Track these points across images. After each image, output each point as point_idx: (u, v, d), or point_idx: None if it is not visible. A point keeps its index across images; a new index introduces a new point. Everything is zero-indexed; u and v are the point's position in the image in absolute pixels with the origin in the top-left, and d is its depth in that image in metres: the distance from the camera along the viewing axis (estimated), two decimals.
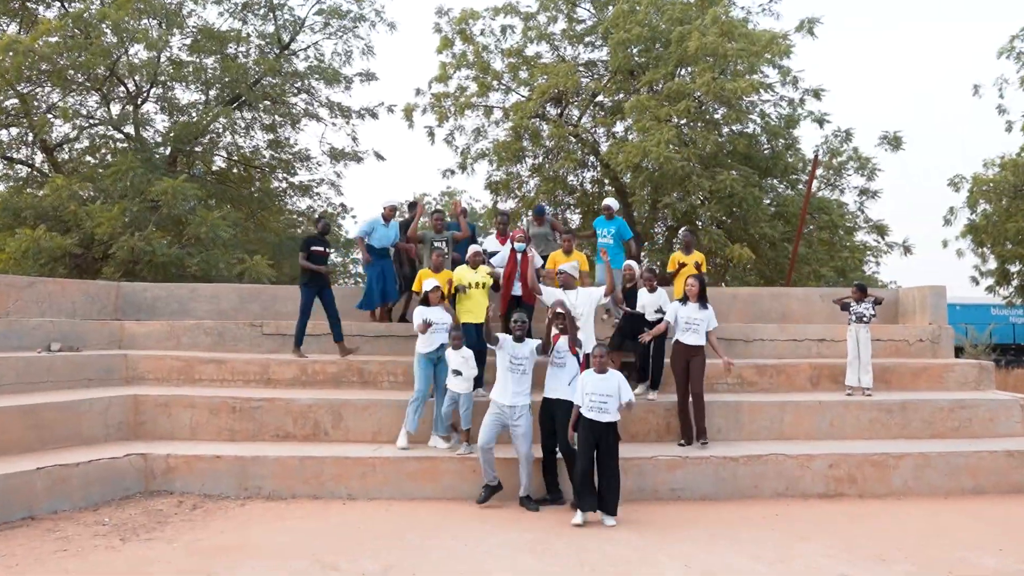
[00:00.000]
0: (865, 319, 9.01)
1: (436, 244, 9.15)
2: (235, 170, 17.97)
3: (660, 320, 7.98)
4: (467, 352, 7.29)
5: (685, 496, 7.18)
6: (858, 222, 17.24)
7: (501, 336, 6.88)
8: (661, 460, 7.24)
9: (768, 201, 15.71)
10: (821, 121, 15.79)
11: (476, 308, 7.99)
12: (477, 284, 8.11)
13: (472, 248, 8.48)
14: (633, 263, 8.40)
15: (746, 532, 6.18)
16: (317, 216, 9.61)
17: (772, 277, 16.57)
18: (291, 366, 8.77)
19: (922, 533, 6.19)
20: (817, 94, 15.81)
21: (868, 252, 16.95)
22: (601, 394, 6.38)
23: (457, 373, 7.23)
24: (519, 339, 6.81)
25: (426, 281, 7.78)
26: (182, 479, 7.06)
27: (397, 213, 9.93)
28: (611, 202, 9.63)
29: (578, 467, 6.39)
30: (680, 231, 9.81)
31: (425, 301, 7.66)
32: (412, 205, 10.53)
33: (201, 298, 10.63)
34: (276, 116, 17.30)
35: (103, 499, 6.73)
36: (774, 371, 9.16)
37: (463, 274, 8.16)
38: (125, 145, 15.60)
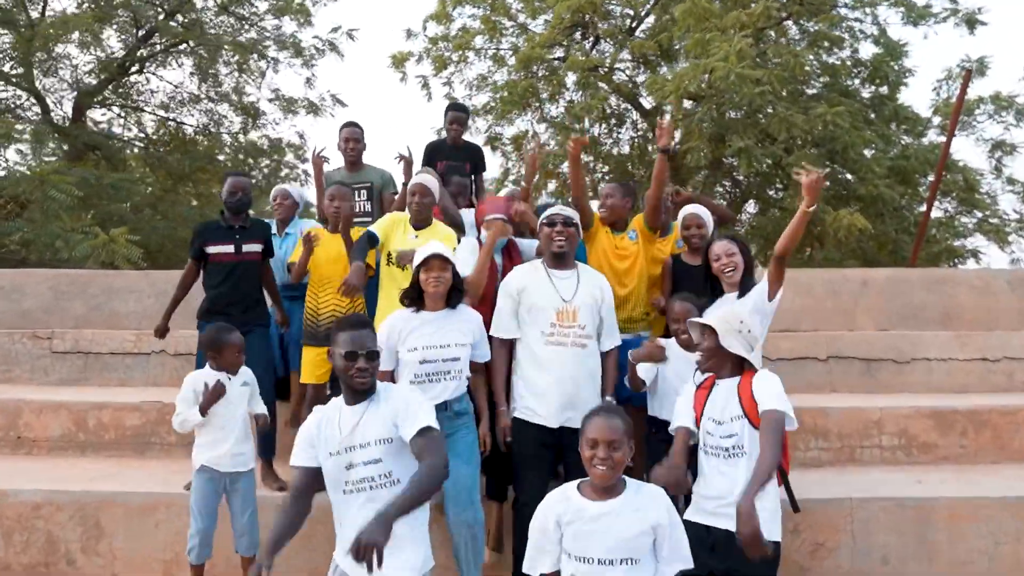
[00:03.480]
0: None
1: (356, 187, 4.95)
2: (160, 130, 13.94)
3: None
4: (251, 375, 3.53)
5: None
6: (993, 187, 12.53)
7: None
8: None
9: (874, 150, 11.05)
10: (973, 21, 10.89)
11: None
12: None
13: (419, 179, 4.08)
14: (704, 211, 4.05)
15: None
16: (226, 175, 4.42)
17: (874, 259, 11.93)
18: (59, 413, 4.75)
19: None
20: None
21: (1011, 224, 12.19)
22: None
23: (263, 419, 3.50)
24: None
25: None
26: None
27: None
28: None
29: None
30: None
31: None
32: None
33: None
34: (202, 53, 13.15)
35: None
36: (968, 423, 4.84)
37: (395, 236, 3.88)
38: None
